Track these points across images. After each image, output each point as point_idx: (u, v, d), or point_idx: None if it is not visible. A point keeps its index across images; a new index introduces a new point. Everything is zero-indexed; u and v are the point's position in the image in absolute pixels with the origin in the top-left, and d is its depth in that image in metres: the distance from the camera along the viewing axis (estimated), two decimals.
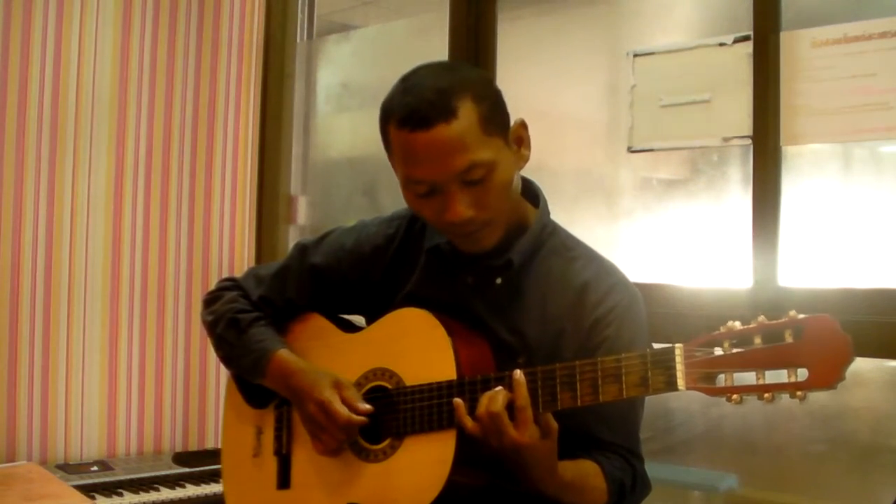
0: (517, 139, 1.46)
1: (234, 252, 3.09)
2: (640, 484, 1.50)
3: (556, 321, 1.48)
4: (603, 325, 1.45)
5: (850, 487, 2.06)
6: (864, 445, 2.06)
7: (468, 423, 1.35)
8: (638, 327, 1.49)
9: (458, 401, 1.37)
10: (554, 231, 1.56)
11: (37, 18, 2.68)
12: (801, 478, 2.15)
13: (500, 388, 1.34)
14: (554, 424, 1.34)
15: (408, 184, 1.42)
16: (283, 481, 1.65)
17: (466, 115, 1.36)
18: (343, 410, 1.49)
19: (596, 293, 1.47)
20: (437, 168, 1.36)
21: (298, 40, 3.23)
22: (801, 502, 2.15)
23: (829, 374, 1.14)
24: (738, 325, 1.21)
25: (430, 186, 1.39)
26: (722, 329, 1.21)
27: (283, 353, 1.61)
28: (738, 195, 2.10)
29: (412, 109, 1.35)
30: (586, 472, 1.43)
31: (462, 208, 1.38)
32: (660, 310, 1.97)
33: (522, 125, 1.47)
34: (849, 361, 1.14)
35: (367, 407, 1.50)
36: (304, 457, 1.62)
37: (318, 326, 1.68)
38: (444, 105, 1.35)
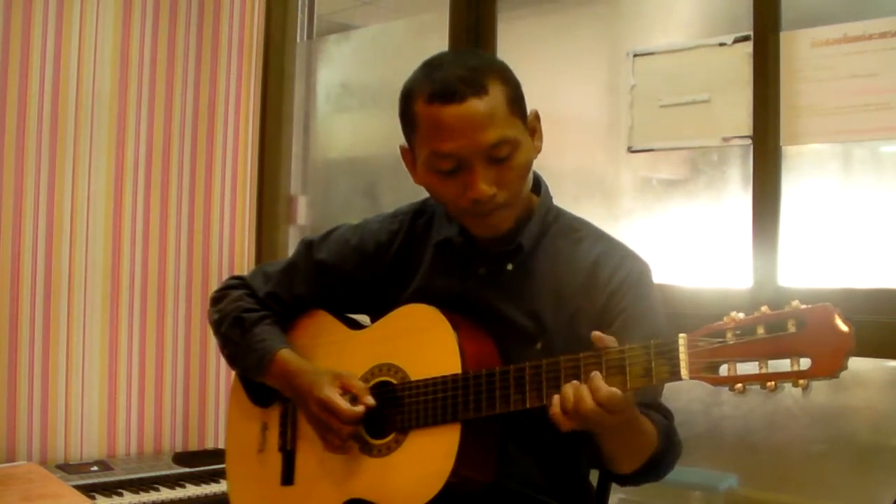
0: (531, 129, 1.48)
1: (234, 252, 3.09)
2: (677, 439, 1.46)
3: (570, 300, 1.49)
4: (618, 298, 1.47)
5: (850, 487, 2.06)
6: (864, 445, 2.06)
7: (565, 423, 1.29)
8: (651, 296, 1.51)
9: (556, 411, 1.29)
10: (559, 214, 1.58)
11: (37, 18, 2.68)
12: (801, 478, 2.15)
13: (575, 382, 1.28)
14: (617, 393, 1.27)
15: (433, 160, 1.42)
16: (288, 477, 1.65)
17: (496, 93, 1.39)
18: (344, 405, 1.49)
19: (607, 268, 1.49)
20: (467, 141, 1.38)
21: (298, 40, 3.23)
22: (801, 502, 2.15)
23: (831, 363, 1.14)
24: (740, 315, 1.21)
25: (456, 162, 1.40)
26: (725, 319, 1.22)
27: (285, 353, 1.62)
28: (738, 195, 2.10)
29: (445, 84, 1.38)
30: (638, 414, 1.38)
31: (486, 185, 1.40)
32: None
33: (537, 117, 1.50)
34: (850, 350, 1.14)
35: (369, 401, 1.50)
36: (309, 453, 1.62)
37: (324, 323, 1.69)
38: (475, 81, 1.38)
